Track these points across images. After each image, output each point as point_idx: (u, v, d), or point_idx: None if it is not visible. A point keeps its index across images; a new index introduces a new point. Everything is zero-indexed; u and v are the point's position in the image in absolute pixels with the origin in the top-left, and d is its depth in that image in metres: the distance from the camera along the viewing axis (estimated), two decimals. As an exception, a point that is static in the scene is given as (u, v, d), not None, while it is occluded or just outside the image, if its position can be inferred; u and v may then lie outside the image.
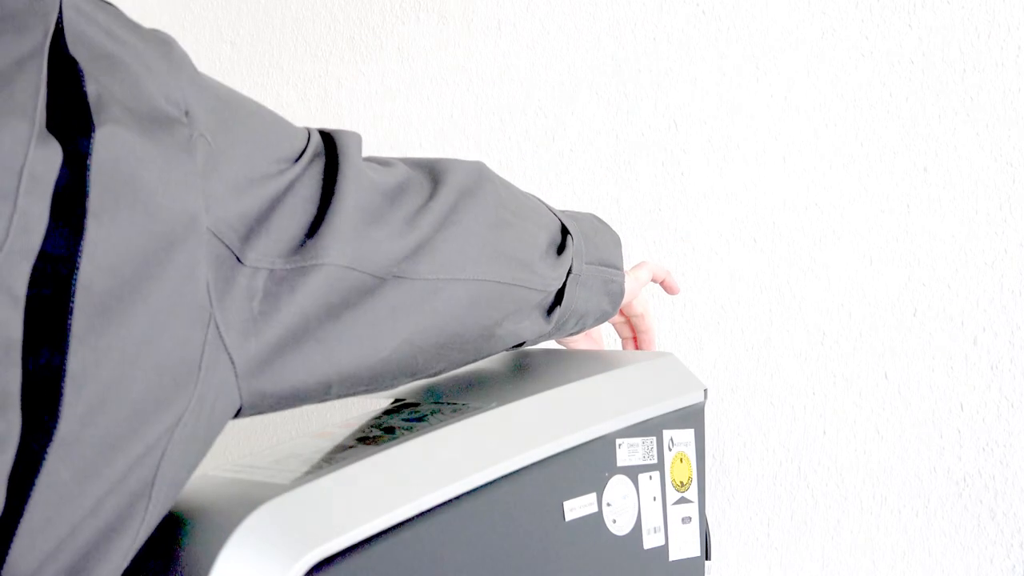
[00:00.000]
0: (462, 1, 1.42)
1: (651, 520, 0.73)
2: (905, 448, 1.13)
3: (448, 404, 0.69)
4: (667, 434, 0.75)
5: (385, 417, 0.67)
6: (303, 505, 0.53)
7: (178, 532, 0.52)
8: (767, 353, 1.20)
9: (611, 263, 0.84)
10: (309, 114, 1.58)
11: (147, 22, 1.94)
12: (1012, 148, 1.07)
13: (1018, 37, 1.07)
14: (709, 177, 1.24)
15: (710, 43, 1.24)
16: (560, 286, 0.76)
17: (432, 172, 0.67)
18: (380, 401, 0.72)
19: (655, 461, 0.73)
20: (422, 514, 0.58)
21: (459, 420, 0.65)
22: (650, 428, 0.74)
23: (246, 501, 0.52)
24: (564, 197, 1.33)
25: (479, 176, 0.70)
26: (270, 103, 1.63)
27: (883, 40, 1.14)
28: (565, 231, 0.78)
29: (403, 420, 0.67)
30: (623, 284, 0.86)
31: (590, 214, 0.87)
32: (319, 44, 1.57)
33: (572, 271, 0.77)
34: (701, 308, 1.24)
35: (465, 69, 1.42)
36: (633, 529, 0.71)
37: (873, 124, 1.14)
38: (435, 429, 0.64)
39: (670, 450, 0.75)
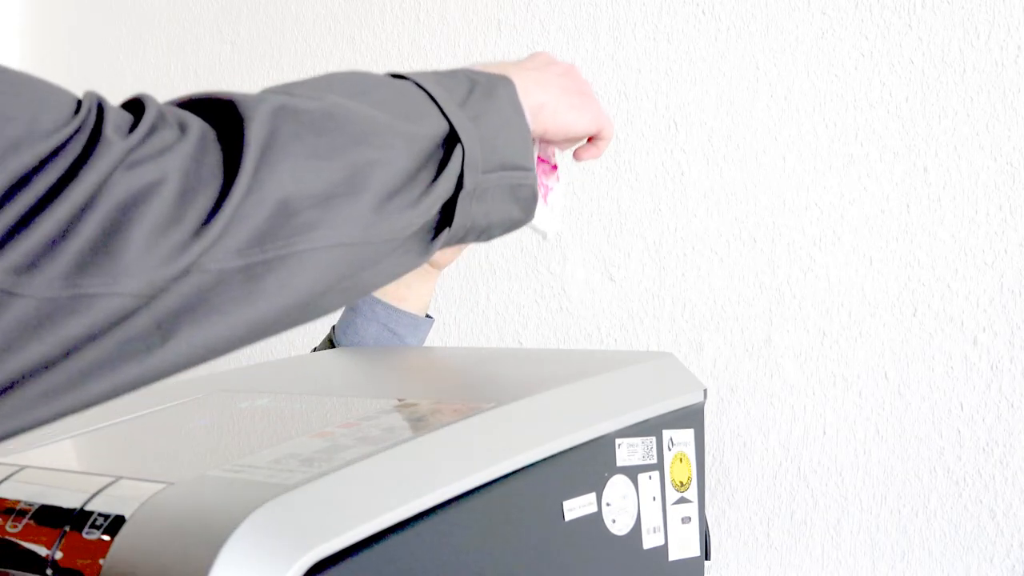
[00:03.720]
0: (462, 1, 1.42)
1: (651, 520, 0.73)
2: (905, 448, 1.13)
3: (448, 404, 0.69)
4: (667, 434, 0.75)
5: (385, 417, 0.67)
6: (303, 505, 0.53)
7: (178, 532, 0.52)
8: (767, 353, 1.20)
9: (518, 164, 0.68)
10: (309, 114, 1.58)
11: (147, 22, 1.94)
12: (1012, 148, 1.07)
13: (1018, 37, 1.07)
14: (709, 177, 1.24)
15: (710, 43, 1.24)
16: (441, 206, 0.63)
17: (222, 136, 0.55)
18: (380, 401, 0.72)
19: (655, 461, 0.73)
20: (422, 514, 0.58)
21: (459, 420, 0.65)
22: (650, 428, 0.74)
23: (246, 501, 0.52)
24: (563, 197, 1.33)
25: (276, 118, 0.57)
26: (270, 103, 1.63)
27: (883, 40, 1.14)
28: (452, 139, 0.64)
29: (403, 420, 0.67)
30: (534, 186, 0.71)
31: (496, 80, 0.69)
32: (319, 44, 1.57)
33: (464, 186, 0.64)
34: (701, 308, 1.24)
35: (465, 69, 1.42)
36: (633, 529, 0.71)
37: (873, 124, 1.14)
38: (435, 429, 0.64)
39: (670, 450, 0.75)
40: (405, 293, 1.02)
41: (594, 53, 1.32)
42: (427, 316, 1.04)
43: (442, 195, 0.62)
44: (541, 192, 0.83)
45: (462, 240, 0.67)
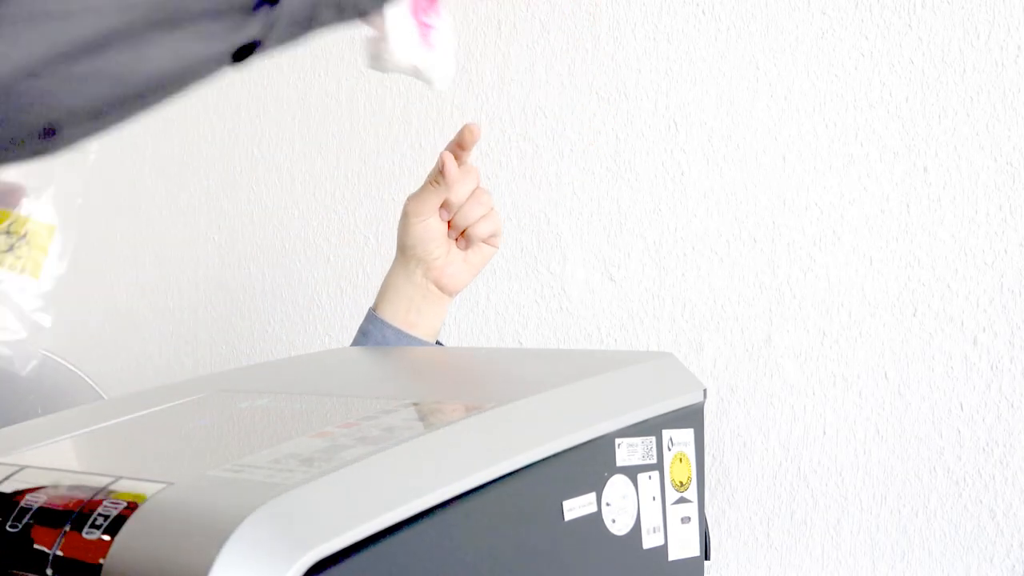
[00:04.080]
0: (462, 1, 1.42)
1: (650, 520, 0.73)
2: (905, 448, 1.13)
3: (448, 404, 0.69)
4: (666, 434, 0.75)
5: (385, 417, 0.67)
6: (303, 505, 0.53)
7: (178, 532, 0.52)
8: (767, 353, 1.20)
9: None
10: (308, 114, 1.58)
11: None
12: (1012, 148, 1.07)
13: (1018, 37, 1.07)
14: (709, 177, 1.24)
15: (710, 43, 1.24)
16: None
17: None
18: (380, 401, 0.72)
19: (654, 461, 0.73)
20: (421, 514, 0.58)
21: (458, 420, 0.65)
22: (649, 428, 0.74)
23: (245, 501, 0.52)
24: (564, 197, 1.33)
25: None
26: (270, 103, 1.63)
27: (883, 40, 1.14)
28: None
29: (403, 420, 0.67)
30: None
31: None
32: (319, 44, 1.57)
33: None
34: (701, 308, 1.24)
35: (465, 69, 1.42)
36: (632, 529, 0.71)
37: (873, 124, 1.14)
38: (435, 429, 0.64)
39: (669, 450, 0.75)
40: (415, 319, 1.00)
41: (594, 53, 1.32)
42: (437, 343, 1.02)
43: None
44: (420, 32, 0.70)
45: (314, 23, 0.49)
